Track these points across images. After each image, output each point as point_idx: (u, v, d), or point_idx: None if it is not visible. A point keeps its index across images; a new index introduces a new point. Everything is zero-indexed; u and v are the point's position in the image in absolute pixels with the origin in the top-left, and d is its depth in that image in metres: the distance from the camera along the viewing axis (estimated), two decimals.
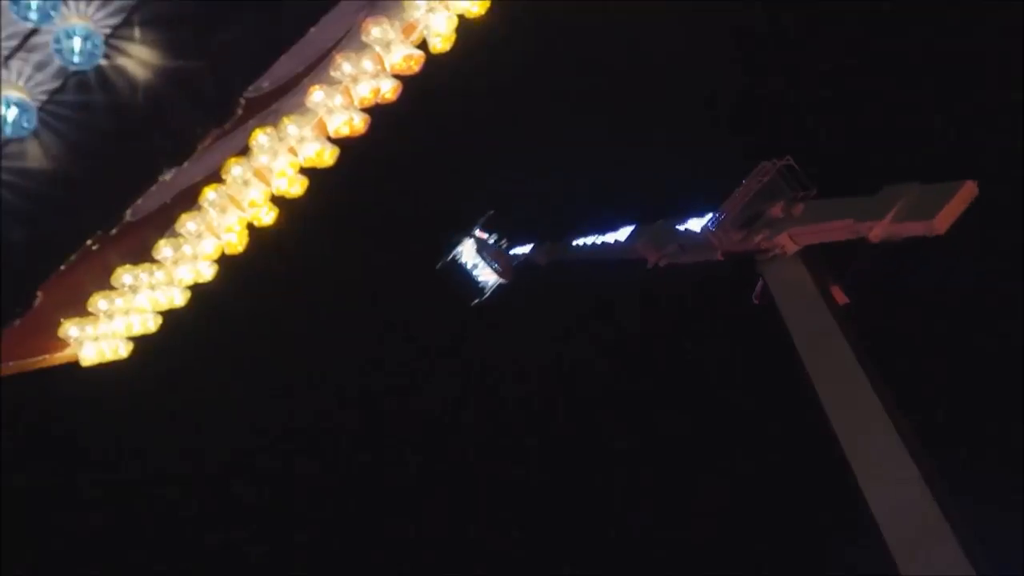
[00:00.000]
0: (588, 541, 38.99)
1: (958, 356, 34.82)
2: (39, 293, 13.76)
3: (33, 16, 11.79)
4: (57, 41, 12.04)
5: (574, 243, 37.75)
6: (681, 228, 34.24)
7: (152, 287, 16.85)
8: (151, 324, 17.40)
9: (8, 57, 12.16)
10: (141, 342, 17.52)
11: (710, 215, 33.80)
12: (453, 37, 15.48)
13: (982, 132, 34.79)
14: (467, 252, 41.65)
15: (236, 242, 16.74)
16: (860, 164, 36.51)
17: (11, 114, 12.15)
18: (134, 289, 16.70)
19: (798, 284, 33.75)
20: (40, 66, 12.27)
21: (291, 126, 15.68)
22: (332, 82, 15.41)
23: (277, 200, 16.50)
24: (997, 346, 33.93)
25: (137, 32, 12.25)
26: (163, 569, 36.42)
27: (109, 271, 16.08)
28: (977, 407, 33.26)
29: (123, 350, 17.44)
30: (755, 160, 32.27)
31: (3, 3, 11.76)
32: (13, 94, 12.18)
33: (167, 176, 13.36)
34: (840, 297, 34.55)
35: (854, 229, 31.32)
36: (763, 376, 36.08)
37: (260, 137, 15.65)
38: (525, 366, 39.30)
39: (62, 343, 16.50)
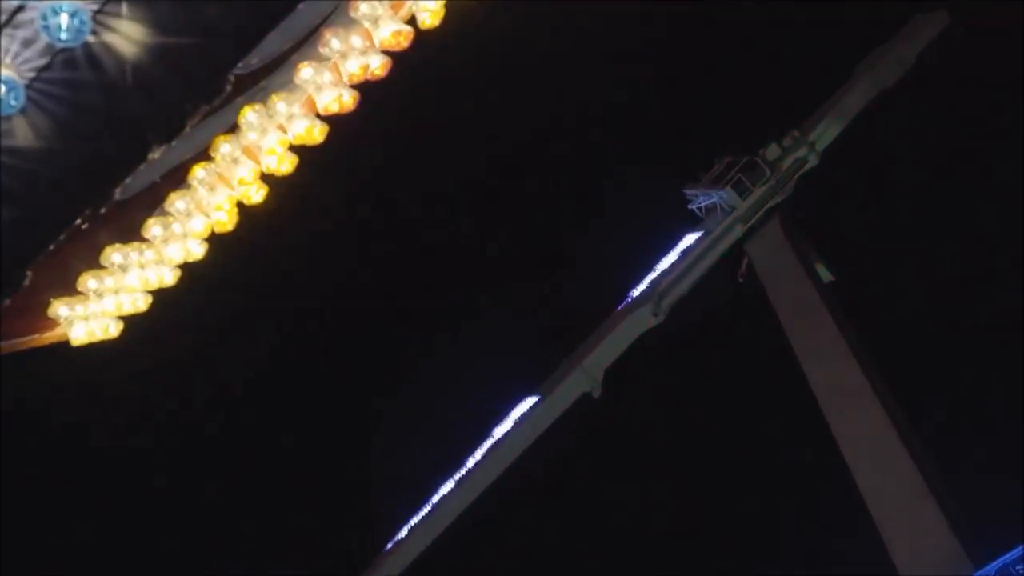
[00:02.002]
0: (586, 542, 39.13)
1: (950, 339, 35.03)
2: (29, 273, 13.68)
3: None
4: (44, 18, 11.94)
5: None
6: (690, 241, 34.49)
7: (142, 266, 16.82)
8: (141, 303, 17.38)
9: None
10: (131, 321, 17.50)
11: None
12: (442, 12, 15.47)
13: None
14: None
15: (226, 220, 16.73)
16: None
17: None
18: (124, 268, 16.67)
19: (782, 261, 33.99)
20: (27, 43, 12.14)
21: (280, 103, 15.67)
22: (321, 59, 15.38)
23: (267, 178, 16.50)
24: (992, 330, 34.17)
25: (125, 8, 12.15)
26: (155, 553, 36.41)
27: (99, 251, 16.05)
28: (970, 391, 33.49)
29: (113, 330, 17.43)
30: None
31: None
32: (1, 72, 12.09)
33: (156, 154, 13.29)
34: (825, 274, 34.80)
35: (875, 77, 33.69)
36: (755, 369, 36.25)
37: (249, 115, 15.64)
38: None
39: (52, 323, 16.46)
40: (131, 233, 16.32)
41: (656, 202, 35.58)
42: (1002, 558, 23.57)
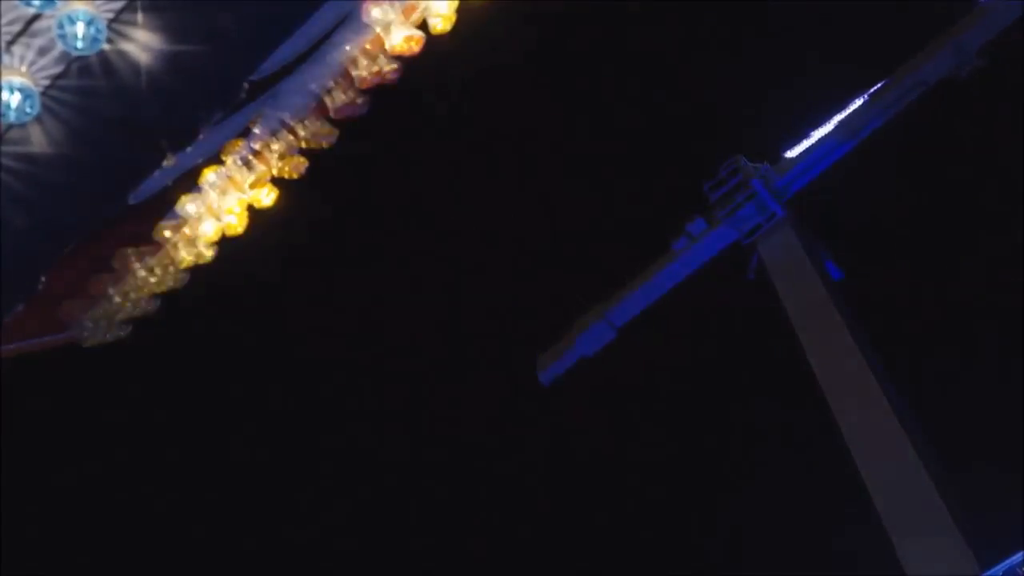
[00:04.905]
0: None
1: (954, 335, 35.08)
2: (43, 278, 13.75)
3: (36, 1, 11.76)
4: (60, 26, 11.98)
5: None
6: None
7: (153, 269, 16.89)
8: (151, 306, 17.44)
9: (10, 42, 12.10)
10: (141, 323, 17.55)
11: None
12: (453, 18, 15.49)
13: None
14: None
15: (236, 224, 16.77)
16: None
17: (14, 100, 12.09)
18: (135, 271, 16.74)
19: (792, 259, 33.96)
20: (43, 51, 12.20)
21: (291, 108, 15.74)
22: (333, 64, 15.41)
23: (277, 182, 16.54)
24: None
25: (140, 17, 12.20)
26: (158, 551, 36.44)
27: (111, 254, 16.10)
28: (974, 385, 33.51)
29: (123, 331, 17.50)
30: None
31: None
32: (16, 79, 12.12)
33: (170, 161, 13.36)
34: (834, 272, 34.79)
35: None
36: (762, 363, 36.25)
37: (261, 119, 15.70)
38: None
39: (65, 326, 16.53)
40: (143, 236, 16.36)
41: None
42: (1009, 560, 23.61)
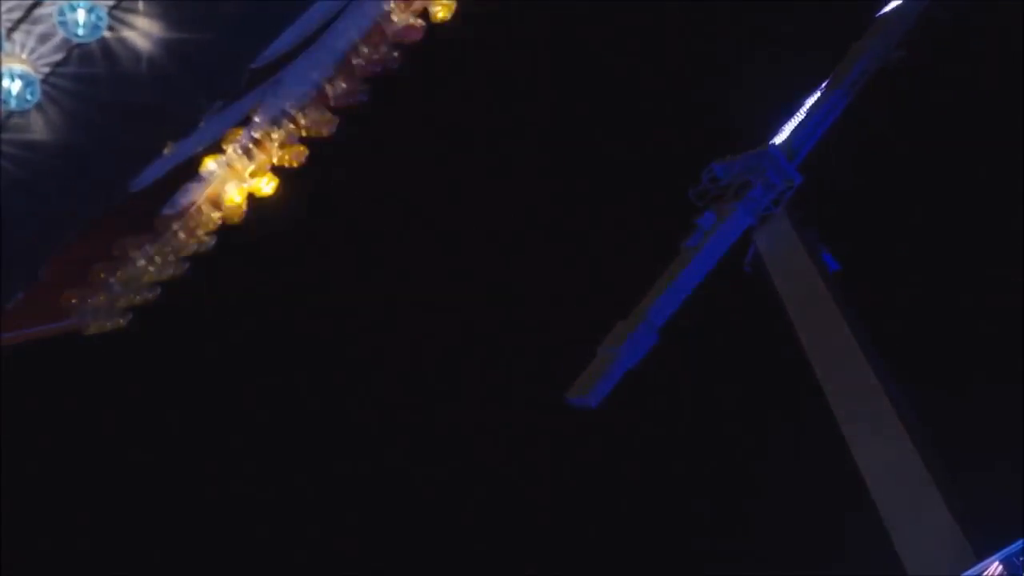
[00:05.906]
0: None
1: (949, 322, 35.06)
2: (44, 267, 13.79)
3: None
4: (61, 13, 12.01)
5: None
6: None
7: (153, 257, 16.93)
8: (151, 294, 17.49)
9: (11, 30, 12.11)
10: (141, 311, 17.60)
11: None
12: (453, 6, 15.54)
13: None
14: None
15: (236, 212, 16.82)
16: None
17: (15, 87, 12.11)
18: (135, 260, 16.79)
19: (789, 251, 33.97)
20: (44, 38, 12.22)
21: (292, 97, 15.79)
22: (334, 53, 15.45)
23: (277, 170, 16.58)
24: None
25: (141, 4, 12.22)
26: (160, 545, 36.42)
27: (112, 242, 16.14)
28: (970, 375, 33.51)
29: (123, 320, 17.54)
30: None
31: None
32: (17, 67, 12.14)
33: (171, 149, 13.39)
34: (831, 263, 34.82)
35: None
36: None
37: (261, 108, 15.75)
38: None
39: (65, 314, 16.56)
40: (143, 224, 16.41)
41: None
42: (1005, 550, 23.59)
